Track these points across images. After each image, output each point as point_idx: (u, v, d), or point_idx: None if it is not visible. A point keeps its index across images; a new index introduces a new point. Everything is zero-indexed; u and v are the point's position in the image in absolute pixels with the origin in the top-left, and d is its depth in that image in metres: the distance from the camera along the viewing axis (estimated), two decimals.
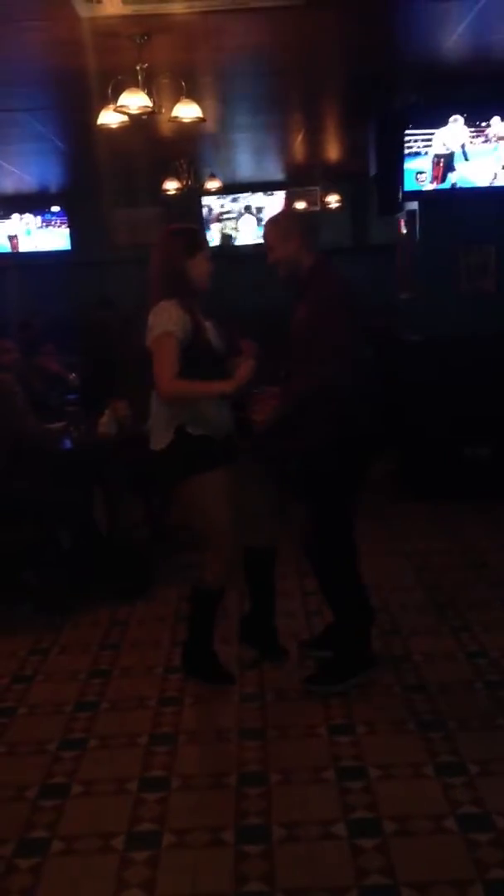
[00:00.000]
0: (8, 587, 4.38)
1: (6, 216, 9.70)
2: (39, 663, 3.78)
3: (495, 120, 5.71)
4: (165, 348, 3.09)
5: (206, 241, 3.49)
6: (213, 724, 3.16)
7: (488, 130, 5.73)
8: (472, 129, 5.72)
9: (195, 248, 3.27)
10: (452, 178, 5.82)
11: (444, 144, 5.74)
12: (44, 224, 9.78)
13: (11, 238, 9.75)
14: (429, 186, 5.83)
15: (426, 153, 5.75)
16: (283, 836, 2.47)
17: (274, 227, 3.32)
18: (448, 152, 5.75)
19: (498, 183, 5.82)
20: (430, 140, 5.73)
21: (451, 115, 5.67)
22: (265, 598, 3.59)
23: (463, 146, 5.75)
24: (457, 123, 5.71)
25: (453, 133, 5.73)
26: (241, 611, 3.84)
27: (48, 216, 9.75)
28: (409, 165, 5.77)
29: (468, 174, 5.81)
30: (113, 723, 3.21)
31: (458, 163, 5.79)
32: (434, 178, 5.80)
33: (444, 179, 5.80)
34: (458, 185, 5.83)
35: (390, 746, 2.94)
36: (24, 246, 9.82)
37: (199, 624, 3.41)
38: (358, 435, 3.22)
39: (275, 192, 9.59)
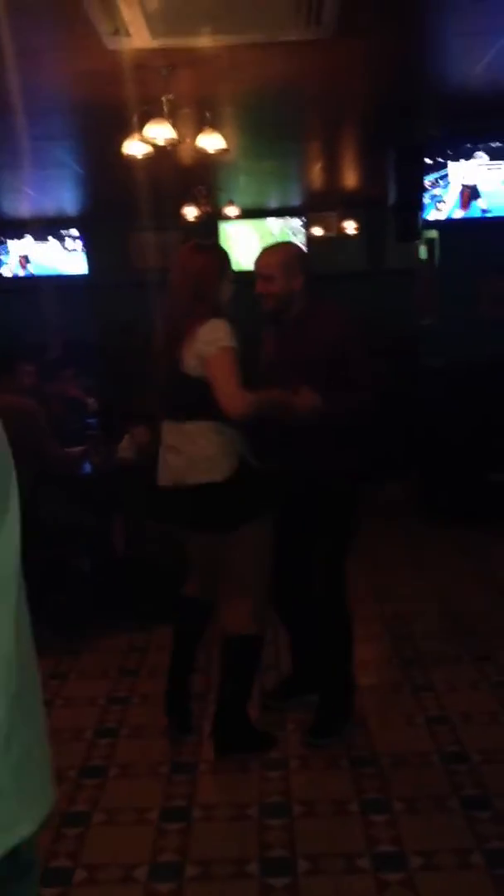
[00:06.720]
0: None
1: (20, 238, 9.75)
2: (58, 688, 3.77)
3: None
4: (230, 363, 2.78)
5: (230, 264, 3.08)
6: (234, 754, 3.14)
7: None
8: (493, 162, 5.77)
9: (225, 270, 3.03)
10: (479, 205, 5.88)
11: (466, 175, 5.79)
12: (60, 247, 9.84)
13: (23, 259, 9.81)
14: (455, 214, 5.88)
15: (447, 183, 5.80)
16: (308, 869, 2.45)
17: (277, 258, 3.11)
18: (472, 183, 5.81)
19: None
20: (451, 170, 5.79)
21: (472, 147, 5.73)
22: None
23: (483, 177, 5.80)
24: (478, 155, 5.76)
25: (475, 165, 5.79)
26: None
27: (64, 239, 9.81)
28: (429, 194, 5.83)
29: (493, 204, 5.86)
30: (133, 751, 3.19)
31: (482, 193, 5.84)
32: (461, 206, 5.85)
33: (468, 207, 5.85)
34: (485, 214, 5.88)
35: (414, 779, 2.92)
36: (41, 269, 9.87)
37: (241, 679, 3.07)
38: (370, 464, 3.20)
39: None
